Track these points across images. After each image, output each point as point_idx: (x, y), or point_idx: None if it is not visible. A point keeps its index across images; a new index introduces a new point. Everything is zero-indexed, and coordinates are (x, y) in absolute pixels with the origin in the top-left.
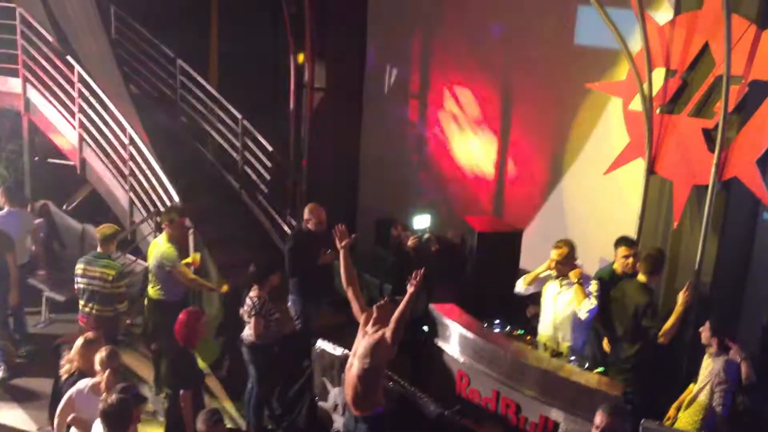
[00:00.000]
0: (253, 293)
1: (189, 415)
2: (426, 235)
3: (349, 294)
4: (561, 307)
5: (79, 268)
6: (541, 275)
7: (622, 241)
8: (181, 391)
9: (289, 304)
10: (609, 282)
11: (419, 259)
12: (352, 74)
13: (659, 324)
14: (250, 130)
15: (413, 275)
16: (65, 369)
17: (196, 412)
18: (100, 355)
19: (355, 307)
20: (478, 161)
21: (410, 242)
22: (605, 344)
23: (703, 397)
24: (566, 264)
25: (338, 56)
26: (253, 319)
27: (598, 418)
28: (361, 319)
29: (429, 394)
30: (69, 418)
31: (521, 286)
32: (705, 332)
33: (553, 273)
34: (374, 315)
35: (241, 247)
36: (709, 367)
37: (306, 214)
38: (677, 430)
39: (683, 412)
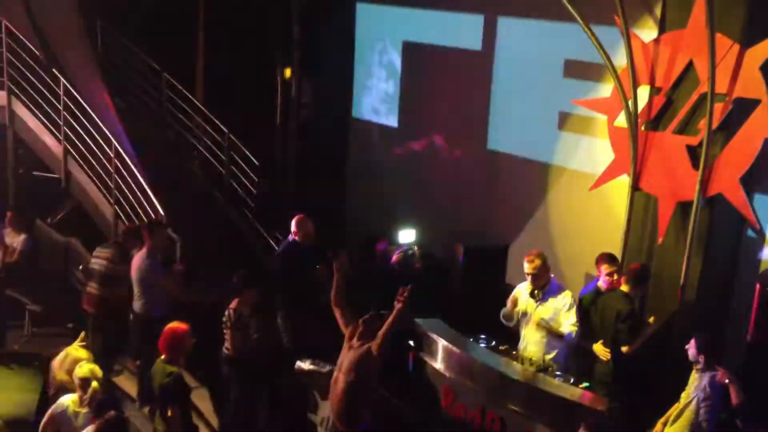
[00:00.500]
0: (232, 305)
1: (177, 430)
2: (411, 251)
3: (336, 308)
4: (543, 317)
5: (95, 251)
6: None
7: (604, 258)
8: (168, 410)
9: (279, 320)
10: (592, 301)
11: (404, 273)
12: (339, 89)
13: (631, 333)
14: (237, 145)
15: (400, 291)
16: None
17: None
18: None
19: (341, 321)
20: (465, 176)
21: (395, 257)
22: (599, 349)
23: (689, 413)
24: (540, 276)
25: (326, 72)
26: (228, 333)
27: None
28: (347, 333)
29: (414, 410)
30: None
31: (505, 320)
32: (691, 349)
33: (528, 288)
34: (360, 329)
35: (226, 260)
36: (695, 382)
37: (293, 227)
38: None
39: (669, 427)
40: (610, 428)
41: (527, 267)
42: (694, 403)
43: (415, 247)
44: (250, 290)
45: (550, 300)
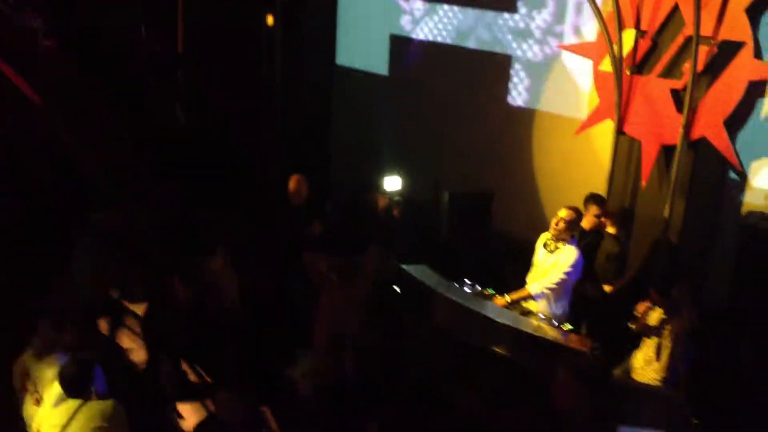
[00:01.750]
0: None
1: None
2: (396, 198)
3: (308, 263)
4: (545, 270)
5: None
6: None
7: (591, 199)
8: None
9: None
10: (579, 239)
11: (389, 220)
12: (323, 35)
13: (617, 274)
14: (218, 94)
15: (369, 251)
16: None
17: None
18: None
19: (314, 271)
20: (450, 122)
21: (381, 203)
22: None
23: (664, 353)
24: (567, 230)
25: (309, 19)
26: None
27: (560, 374)
28: (323, 282)
29: (401, 357)
30: None
31: None
32: (645, 306)
33: (549, 234)
34: (335, 280)
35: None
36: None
37: (290, 188)
38: (646, 385)
39: (647, 367)
40: (591, 369)
41: (560, 213)
42: (666, 343)
43: (400, 195)
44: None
45: (558, 255)
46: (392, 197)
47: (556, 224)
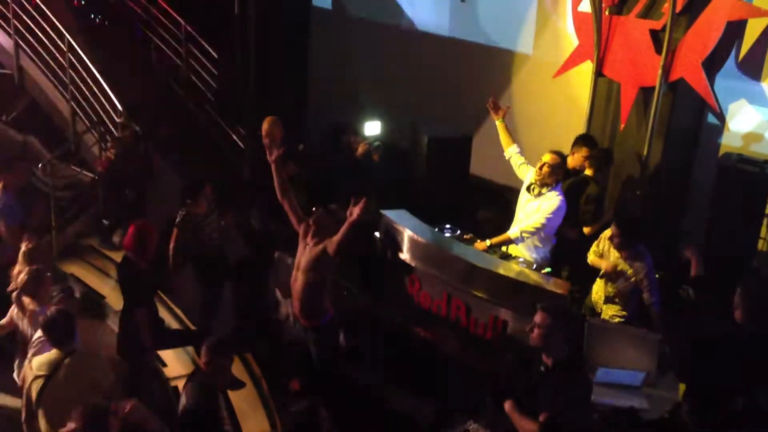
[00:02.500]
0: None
1: (145, 327)
2: (376, 143)
3: (285, 206)
4: (528, 215)
5: None
6: (521, 166)
7: (581, 140)
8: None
9: (251, 219)
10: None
11: (368, 165)
12: None
13: (596, 216)
14: (194, 36)
15: (353, 202)
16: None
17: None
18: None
19: (293, 219)
20: (428, 65)
21: (360, 149)
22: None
23: (627, 291)
24: (551, 174)
25: None
26: (173, 233)
27: (537, 317)
28: (300, 231)
29: (381, 300)
30: None
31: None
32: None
33: (535, 178)
34: (312, 228)
35: (193, 156)
36: (621, 265)
37: (263, 130)
38: (622, 326)
39: (607, 305)
40: (564, 311)
41: (544, 157)
42: (628, 284)
43: (379, 140)
44: (201, 195)
45: (542, 200)
46: (372, 142)
47: (540, 168)
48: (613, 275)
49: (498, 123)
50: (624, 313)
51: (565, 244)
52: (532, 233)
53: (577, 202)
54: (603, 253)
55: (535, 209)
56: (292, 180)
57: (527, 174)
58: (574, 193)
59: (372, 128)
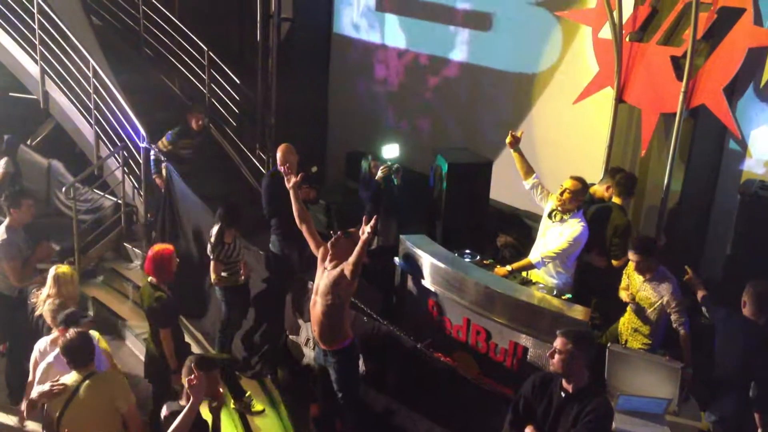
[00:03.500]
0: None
1: (170, 350)
2: (395, 166)
3: (304, 231)
4: (549, 241)
5: None
6: (541, 199)
7: (620, 171)
8: (161, 332)
9: (270, 245)
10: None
11: (388, 189)
12: (320, 4)
13: (623, 247)
14: (216, 62)
15: (365, 221)
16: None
17: (177, 348)
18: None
19: (311, 243)
20: (447, 92)
21: (380, 173)
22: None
23: (653, 318)
24: (572, 200)
25: None
26: (212, 264)
27: (558, 342)
28: (319, 255)
29: (401, 325)
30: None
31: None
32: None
33: (556, 204)
34: (330, 252)
35: (213, 180)
36: (646, 291)
37: (278, 156)
38: (644, 353)
39: (633, 336)
40: (585, 338)
41: (565, 183)
42: (655, 310)
43: (399, 164)
44: (231, 227)
45: (564, 226)
46: (391, 165)
47: (561, 194)
48: (636, 307)
49: (514, 154)
50: (649, 341)
51: (593, 273)
52: (553, 258)
53: (602, 229)
54: (629, 283)
55: (558, 235)
56: (310, 203)
57: (549, 203)
58: (599, 221)
59: (390, 151)
